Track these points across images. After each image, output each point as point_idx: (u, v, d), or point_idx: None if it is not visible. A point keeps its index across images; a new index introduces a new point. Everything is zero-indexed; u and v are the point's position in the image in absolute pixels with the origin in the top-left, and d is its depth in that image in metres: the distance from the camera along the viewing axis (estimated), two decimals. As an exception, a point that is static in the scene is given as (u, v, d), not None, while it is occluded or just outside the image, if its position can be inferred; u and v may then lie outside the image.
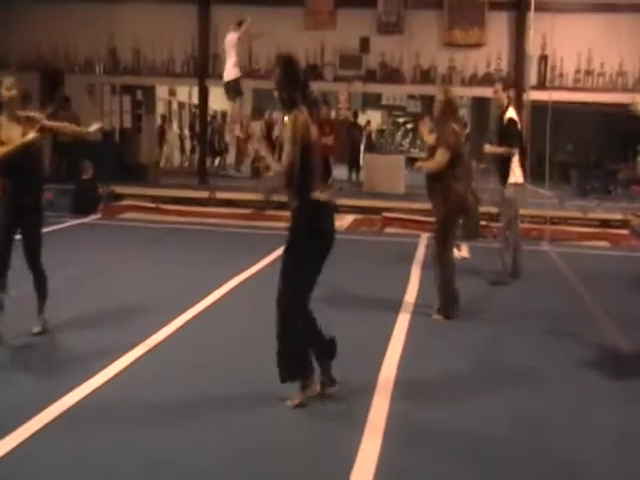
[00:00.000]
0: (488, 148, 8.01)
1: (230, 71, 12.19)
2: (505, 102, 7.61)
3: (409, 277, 7.89)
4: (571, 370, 5.17)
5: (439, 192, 6.21)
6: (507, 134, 7.50)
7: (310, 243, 4.31)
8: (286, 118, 4.20)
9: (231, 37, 12.09)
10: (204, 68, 15.64)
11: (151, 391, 4.49)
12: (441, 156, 6.09)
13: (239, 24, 12.23)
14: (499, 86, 7.77)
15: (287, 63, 4.28)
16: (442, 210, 6.21)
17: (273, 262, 8.54)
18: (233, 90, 12.34)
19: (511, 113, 7.52)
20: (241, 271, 7.78)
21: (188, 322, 5.97)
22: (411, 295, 7.10)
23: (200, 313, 6.23)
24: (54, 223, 10.44)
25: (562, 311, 6.79)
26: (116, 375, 4.70)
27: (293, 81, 4.23)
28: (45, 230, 9.94)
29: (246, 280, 7.52)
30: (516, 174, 7.54)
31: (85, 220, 11.01)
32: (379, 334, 5.75)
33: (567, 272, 8.50)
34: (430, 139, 6.41)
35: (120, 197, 13.27)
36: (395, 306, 6.61)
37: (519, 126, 7.57)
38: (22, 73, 15.09)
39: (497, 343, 5.78)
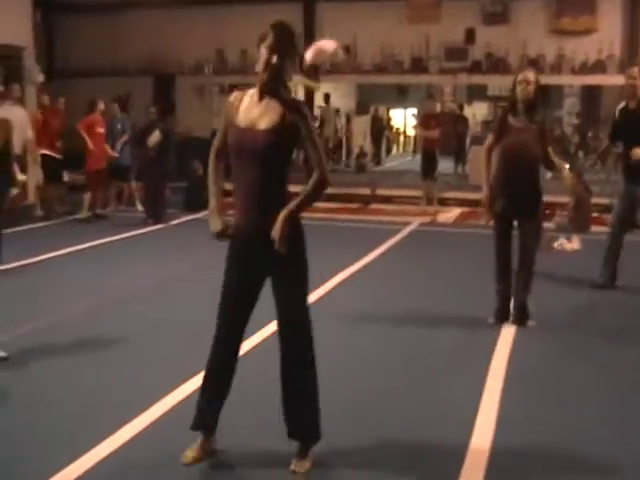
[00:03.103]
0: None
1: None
2: None
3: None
4: None
5: (539, 192, 5.64)
6: None
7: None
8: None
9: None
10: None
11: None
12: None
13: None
14: (637, 71, 6.25)
15: (286, 28, 3.37)
16: (540, 212, 5.68)
17: (382, 254, 8.68)
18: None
19: None
20: (349, 264, 7.89)
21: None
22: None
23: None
24: (169, 219, 11.07)
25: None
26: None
27: (292, 52, 3.30)
28: (161, 226, 10.62)
29: (355, 273, 7.63)
30: None
31: (197, 216, 11.40)
32: (471, 375, 4.67)
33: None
34: None
35: (229, 194, 13.67)
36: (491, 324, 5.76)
37: None
38: (137, 78, 16.00)
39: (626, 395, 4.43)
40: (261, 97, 3.27)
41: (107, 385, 4.48)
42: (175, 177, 12.51)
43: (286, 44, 3.25)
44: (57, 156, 11.33)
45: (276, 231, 3.18)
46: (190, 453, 3.44)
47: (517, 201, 5.55)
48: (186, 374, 4.44)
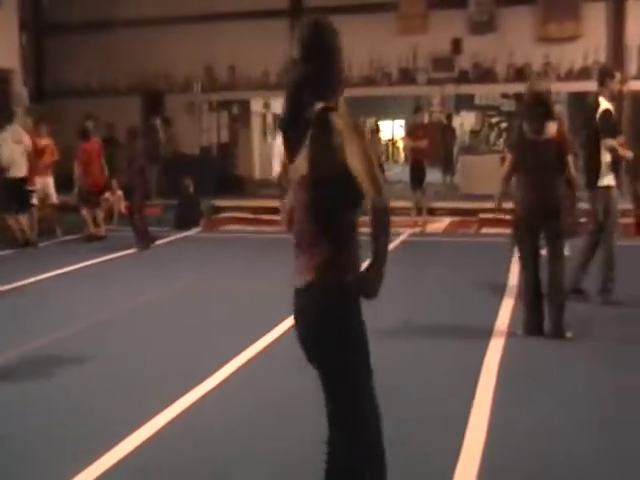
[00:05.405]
0: None
1: None
2: None
3: (504, 289, 7.24)
4: None
5: None
6: None
7: None
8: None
9: None
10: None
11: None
12: None
13: None
14: None
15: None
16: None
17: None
18: None
19: None
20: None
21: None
22: (504, 315, 6.27)
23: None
24: (161, 237, 11.00)
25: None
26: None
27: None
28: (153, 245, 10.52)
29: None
30: None
31: (189, 233, 11.43)
32: (461, 386, 4.65)
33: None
34: None
35: (220, 210, 13.71)
36: (484, 334, 5.74)
37: None
38: (127, 97, 16.04)
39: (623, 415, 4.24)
40: None
41: (97, 402, 4.50)
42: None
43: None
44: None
45: None
46: None
47: None
48: (172, 397, 4.46)
